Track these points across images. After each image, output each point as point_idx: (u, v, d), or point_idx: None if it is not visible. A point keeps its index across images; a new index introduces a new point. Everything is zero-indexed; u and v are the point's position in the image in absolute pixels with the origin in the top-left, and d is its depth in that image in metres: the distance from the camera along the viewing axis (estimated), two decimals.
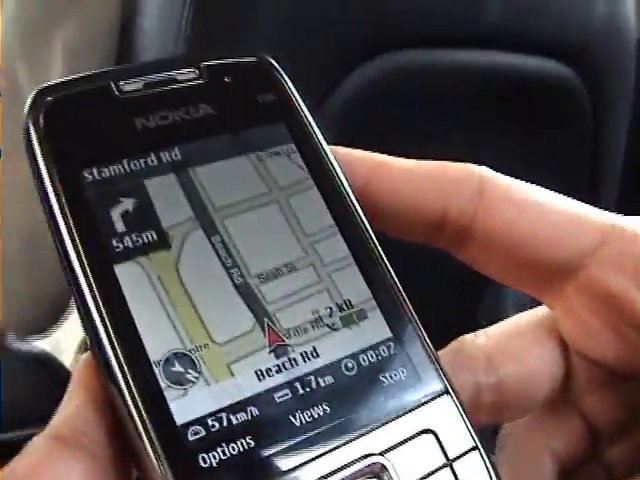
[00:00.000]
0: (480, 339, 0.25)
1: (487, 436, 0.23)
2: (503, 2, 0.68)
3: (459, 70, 0.68)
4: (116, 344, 0.19)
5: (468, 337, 0.25)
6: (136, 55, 0.67)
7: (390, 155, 0.25)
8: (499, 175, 0.24)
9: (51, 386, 0.74)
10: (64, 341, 0.85)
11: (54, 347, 0.85)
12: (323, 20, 0.61)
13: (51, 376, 0.76)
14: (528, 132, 0.74)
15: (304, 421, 0.20)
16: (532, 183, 0.25)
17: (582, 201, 0.25)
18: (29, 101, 0.22)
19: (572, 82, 0.73)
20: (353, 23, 0.62)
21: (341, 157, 0.24)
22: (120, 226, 0.21)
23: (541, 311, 0.26)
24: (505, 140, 0.72)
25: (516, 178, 0.25)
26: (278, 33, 0.59)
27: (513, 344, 0.25)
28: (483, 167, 0.24)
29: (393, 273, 0.23)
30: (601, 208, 0.24)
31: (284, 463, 0.20)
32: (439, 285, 0.66)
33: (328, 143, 0.24)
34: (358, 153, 0.25)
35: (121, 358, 0.19)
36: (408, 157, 0.25)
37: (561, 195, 0.24)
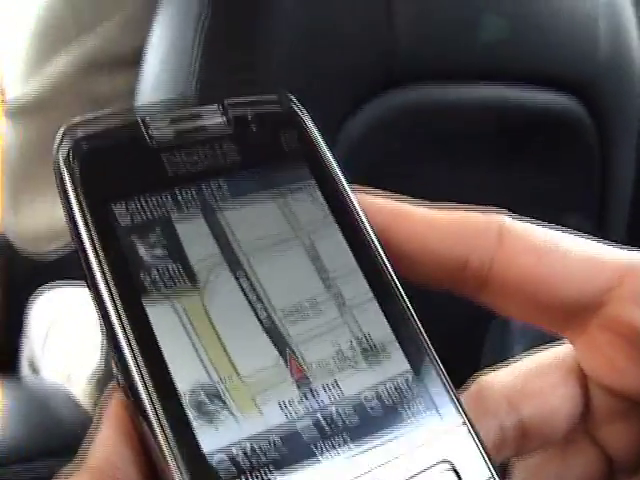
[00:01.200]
0: (499, 379, 0.25)
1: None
2: (508, 35, 0.69)
3: (467, 105, 0.69)
4: (146, 378, 0.20)
5: (487, 378, 0.25)
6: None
7: (403, 194, 0.25)
8: (517, 222, 0.25)
9: (60, 420, 0.75)
10: (75, 374, 0.86)
11: (65, 379, 0.85)
12: (333, 60, 0.62)
13: (61, 408, 0.77)
14: (537, 164, 0.75)
15: (325, 451, 0.21)
16: (541, 215, 0.25)
17: (589, 233, 0.25)
18: (58, 136, 0.23)
19: (579, 114, 0.74)
20: (361, 62, 0.63)
21: (361, 201, 0.25)
22: (148, 261, 0.22)
23: (561, 349, 0.26)
24: (514, 173, 0.73)
25: (524, 210, 0.25)
26: (290, 73, 0.60)
27: (534, 384, 0.25)
28: (503, 215, 0.25)
29: (412, 309, 0.24)
30: (610, 238, 0.25)
31: None
32: (444, 320, 0.66)
33: (348, 181, 0.25)
34: (378, 200, 0.25)
35: (151, 392, 0.20)
36: (420, 194, 0.26)
37: (578, 237, 0.25)
